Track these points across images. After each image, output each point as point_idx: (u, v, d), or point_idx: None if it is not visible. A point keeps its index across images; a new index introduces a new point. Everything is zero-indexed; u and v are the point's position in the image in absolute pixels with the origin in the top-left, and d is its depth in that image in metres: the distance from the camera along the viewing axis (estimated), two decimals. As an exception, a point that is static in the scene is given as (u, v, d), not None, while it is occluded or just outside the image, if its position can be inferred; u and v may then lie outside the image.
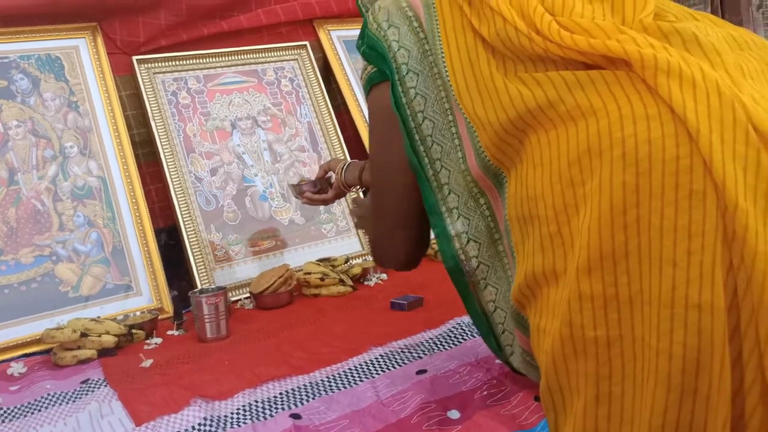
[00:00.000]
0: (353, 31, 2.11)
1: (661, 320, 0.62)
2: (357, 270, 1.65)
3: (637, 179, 0.63)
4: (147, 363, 1.25)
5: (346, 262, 1.70)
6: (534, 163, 0.73)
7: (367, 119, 0.95)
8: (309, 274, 1.60)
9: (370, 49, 0.90)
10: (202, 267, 1.64)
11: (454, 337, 1.20)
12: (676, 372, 0.62)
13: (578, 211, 0.68)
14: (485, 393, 0.98)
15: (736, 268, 0.61)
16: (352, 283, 1.61)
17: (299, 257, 1.75)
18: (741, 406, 0.61)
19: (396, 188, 0.92)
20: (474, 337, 1.19)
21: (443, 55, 0.82)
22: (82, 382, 1.20)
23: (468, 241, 0.86)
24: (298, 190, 1.40)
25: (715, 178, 0.61)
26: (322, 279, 1.59)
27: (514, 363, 0.89)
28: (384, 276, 1.69)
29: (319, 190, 1.38)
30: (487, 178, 0.81)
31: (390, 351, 1.17)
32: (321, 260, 1.68)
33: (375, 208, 0.97)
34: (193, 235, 1.66)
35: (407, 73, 0.85)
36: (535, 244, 0.73)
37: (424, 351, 1.16)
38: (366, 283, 1.66)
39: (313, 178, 1.40)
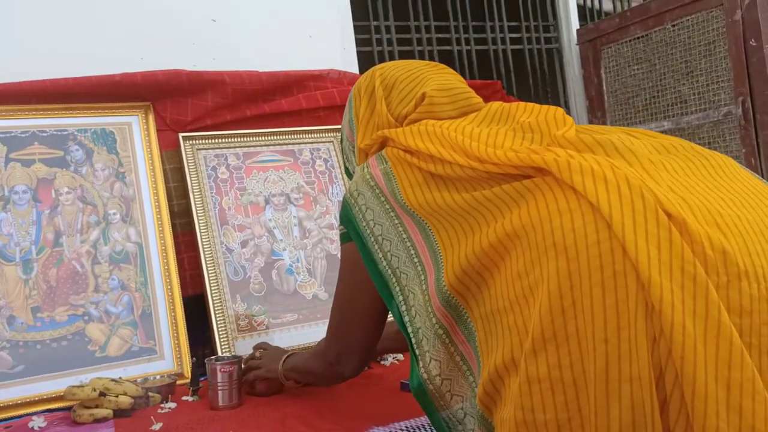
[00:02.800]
0: (388, 118, 2.22)
1: (597, 396, 0.66)
2: (373, 348, 1.67)
3: (568, 265, 0.70)
4: (157, 426, 1.29)
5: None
6: (486, 265, 0.82)
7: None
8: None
9: (346, 218, 1.07)
10: (224, 336, 1.69)
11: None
12: None
13: (528, 301, 0.74)
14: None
15: (657, 340, 0.65)
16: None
17: (320, 332, 1.78)
18: None
19: (364, 313, 1.08)
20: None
21: (402, 195, 0.96)
22: (95, 440, 1.24)
23: (430, 361, 0.91)
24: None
25: (630, 256, 0.67)
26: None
27: None
28: (400, 357, 1.70)
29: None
30: (448, 309, 0.89)
31: (390, 431, 1.18)
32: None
33: (340, 330, 1.12)
34: (219, 304, 1.72)
35: (374, 225, 1.00)
36: (497, 337, 0.78)
37: (425, 433, 1.16)
38: (382, 362, 1.67)
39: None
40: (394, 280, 0.97)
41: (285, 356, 1.36)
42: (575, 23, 3.03)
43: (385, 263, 0.99)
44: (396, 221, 0.98)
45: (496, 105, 1.01)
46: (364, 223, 1.02)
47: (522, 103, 0.99)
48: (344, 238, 1.09)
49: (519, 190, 0.80)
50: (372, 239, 1.00)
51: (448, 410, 0.91)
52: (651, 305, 0.65)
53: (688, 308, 0.65)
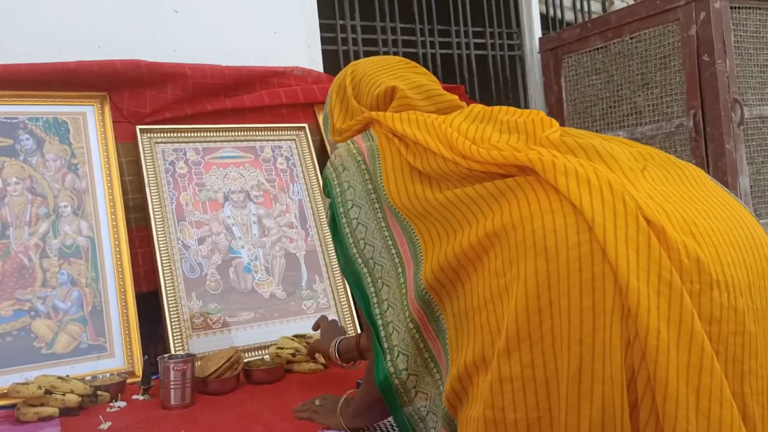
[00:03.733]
0: (351, 118, 2.21)
1: (569, 395, 0.67)
2: (331, 348, 1.66)
3: (547, 266, 0.71)
4: (105, 425, 1.25)
5: None
6: (463, 265, 0.81)
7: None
8: (282, 349, 1.61)
9: (327, 192, 1.05)
10: (178, 334, 1.65)
11: (414, 422, 1.20)
12: None
13: (502, 300, 0.74)
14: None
15: (632, 343, 0.67)
16: (324, 362, 1.62)
17: (277, 331, 1.76)
18: None
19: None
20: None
21: (384, 189, 0.95)
22: (39, 440, 1.20)
23: (398, 354, 0.91)
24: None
25: (610, 260, 0.68)
26: (293, 355, 1.59)
27: None
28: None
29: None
30: (422, 305, 0.88)
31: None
32: (296, 336, 1.69)
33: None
34: (173, 302, 1.68)
35: (351, 207, 0.98)
36: (469, 335, 0.78)
37: (382, 434, 1.16)
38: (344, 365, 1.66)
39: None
40: (365, 270, 0.95)
41: (340, 404, 1.20)
42: (538, 32, 3.08)
43: (355, 250, 0.96)
44: (376, 205, 0.96)
45: (478, 107, 1.01)
46: (341, 203, 0.99)
47: (504, 107, 0.99)
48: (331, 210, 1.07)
49: (501, 189, 0.80)
50: (345, 222, 0.98)
51: (411, 406, 0.91)
52: (627, 309, 0.67)
53: (663, 313, 0.67)
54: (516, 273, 0.73)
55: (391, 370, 0.91)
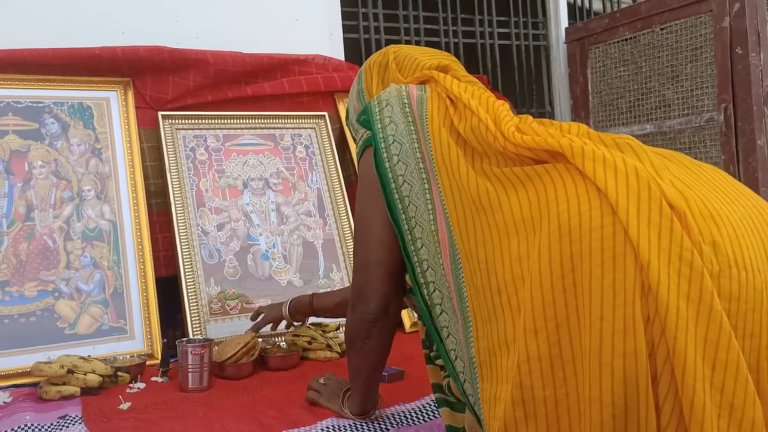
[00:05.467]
0: (372, 106, 2.20)
1: (591, 369, 0.71)
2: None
3: (571, 247, 0.74)
4: (125, 406, 1.28)
5: (337, 329, 1.72)
6: (484, 242, 0.85)
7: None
8: (298, 336, 1.63)
9: (366, 120, 1.05)
10: (197, 318, 1.67)
11: (426, 413, 1.20)
12: (608, 419, 0.70)
13: (524, 283, 0.77)
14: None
15: (651, 319, 0.70)
16: (339, 350, 1.63)
17: (294, 318, 1.77)
18: None
19: (378, 238, 1.02)
20: (444, 414, 1.19)
21: (429, 134, 0.97)
22: (60, 417, 1.23)
23: (434, 290, 0.95)
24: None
25: (632, 241, 0.71)
26: (309, 343, 1.61)
27: (479, 411, 0.92)
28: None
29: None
30: (447, 244, 0.92)
31: (359, 419, 1.18)
32: (314, 325, 1.70)
33: (358, 258, 1.06)
34: (192, 286, 1.70)
35: (393, 143, 0.99)
36: (490, 312, 0.82)
37: (392, 423, 1.16)
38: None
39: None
40: (400, 206, 0.97)
41: (343, 392, 1.22)
42: (564, 21, 3.03)
43: (393, 186, 0.97)
44: (416, 145, 0.97)
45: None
46: (383, 138, 0.99)
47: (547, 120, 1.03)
48: (364, 143, 1.05)
49: (529, 175, 0.84)
50: (386, 157, 0.98)
51: (443, 345, 0.94)
52: (648, 286, 0.70)
53: (683, 292, 0.70)
54: (537, 256, 0.76)
55: (428, 302, 0.95)
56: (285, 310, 1.55)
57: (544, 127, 0.91)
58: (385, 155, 0.98)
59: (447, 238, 0.92)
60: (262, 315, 1.60)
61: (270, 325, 1.59)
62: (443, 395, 1.08)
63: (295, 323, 1.60)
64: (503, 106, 0.96)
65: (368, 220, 1.02)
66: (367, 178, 1.03)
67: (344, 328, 1.13)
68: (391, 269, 1.02)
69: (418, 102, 1.00)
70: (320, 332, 1.65)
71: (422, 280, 0.95)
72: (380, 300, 1.02)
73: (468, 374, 0.91)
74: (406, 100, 1.01)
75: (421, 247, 0.95)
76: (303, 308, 1.54)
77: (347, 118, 1.27)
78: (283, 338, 1.69)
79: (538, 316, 0.74)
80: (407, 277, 1.01)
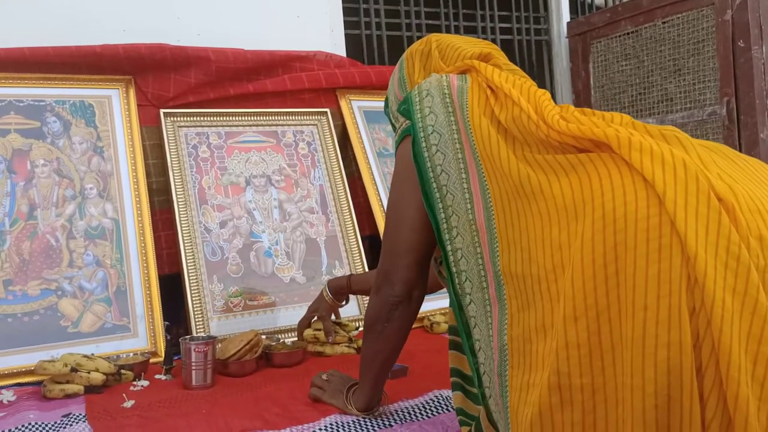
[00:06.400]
0: (373, 102, 2.20)
1: (634, 359, 0.70)
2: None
3: (615, 237, 0.74)
4: (128, 404, 1.28)
5: (356, 329, 1.71)
6: (527, 229, 0.85)
7: (394, 167, 1.11)
8: (319, 330, 1.62)
9: (406, 110, 1.06)
10: (200, 316, 1.67)
11: (429, 409, 1.20)
12: (650, 408, 0.69)
13: (564, 271, 0.77)
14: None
15: (697, 311, 0.70)
16: (356, 346, 1.63)
17: (296, 316, 1.76)
18: None
19: (410, 224, 1.03)
20: (448, 411, 1.19)
21: (469, 123, 0.98)
22: (64, 416, 1.23)
23: (465, 279, 0.95)
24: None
25: (679, 232, 0.71)
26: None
27: (491, 406, 0.92)
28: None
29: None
30: (486, 231, 0.92)
31: (363, 415, 1.18)
32: (333, 323, 1.69)
33: (387, 243, 1.07)
34: (195, 284, 1.70)
35: (432, 133, 1.00)
36: (528, 299, 0.82)
37: (396, 419, 1.16)
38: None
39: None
40: (438, 195, 0.97)
41: (347, 388, 1.22)
42: (566, 16, 3.02)
43: (432, 175, 0.98)
44: (455, 136, 0.98)
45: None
46: (422, 128, 0.99)
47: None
48: (403, 133, 1.06)
49: (573, 163, 0.83)
50: (425, 146, 0.99)
51: (470, 339, 0.94)
52: (694, 279, 0.70)
53: (729, 285, 0.70)
54: (580, 245, 0.75)
55: (459, 291, 0.95)
56: (327, 295, 1.58)
57: (587, 116, 0.91)
58: (424, 145, 0.99)
59: (485, 226, 0.92)
60: (315, 312, 1.61)
61: (332, 316, 1.64)
62: (460, 380, 1.09)
63: (341, 305, 1.63)
64: (545, 95, 0.95)
65: (402, 207, 1.04)
66: (403, 166, 1.04)
67: (365, 313, 1.14)
68: (419, 256, 1.03)
69: (459, 92, 1.01)
70: (337, 328, 1.65)
71: (455, 269, 0.95)
72: (405, 284, 1.03)
73: (488, 366, 0.91)
74: (446, 91, 1.02)
75: (457, 235, 0.95)
76: (342, 290, 1.58)
77: (386, 106, 1.27)
78: (286, 335, 1.69)
79: (578, 304, 0.74)
80: (442, 267, 1.02)
